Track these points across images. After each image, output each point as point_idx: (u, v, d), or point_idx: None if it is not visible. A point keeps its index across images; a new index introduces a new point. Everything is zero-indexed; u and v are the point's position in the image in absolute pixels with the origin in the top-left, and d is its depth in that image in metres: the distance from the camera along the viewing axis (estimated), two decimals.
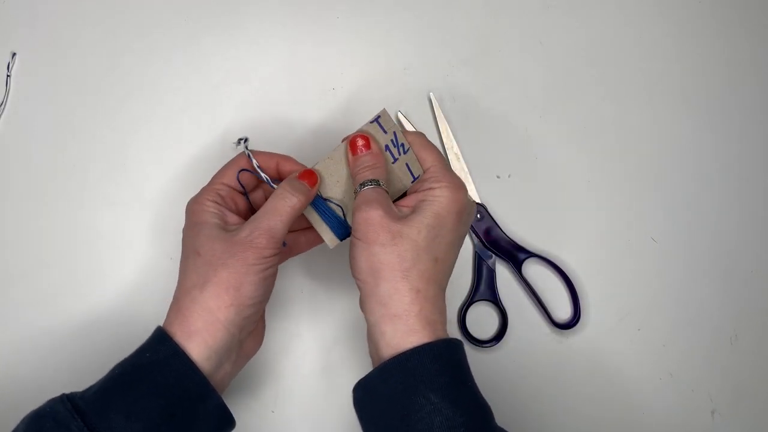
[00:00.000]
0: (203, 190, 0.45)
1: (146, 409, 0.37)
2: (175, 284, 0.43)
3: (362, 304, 0.42)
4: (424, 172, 0.44)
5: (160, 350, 0.39)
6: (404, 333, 0.39)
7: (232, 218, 0.44)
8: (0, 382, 0.51)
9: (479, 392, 0.40)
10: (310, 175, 0.44)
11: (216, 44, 0.56)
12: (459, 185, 0.42)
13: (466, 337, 0.53)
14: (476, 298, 0.54)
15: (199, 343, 0.39)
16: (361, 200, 0.42)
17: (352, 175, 0.44)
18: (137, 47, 0.56)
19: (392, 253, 0.40)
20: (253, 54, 0.56)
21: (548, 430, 0.53)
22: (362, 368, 0.52)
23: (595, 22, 0.58)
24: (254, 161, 0.45)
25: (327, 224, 0.44)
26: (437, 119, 0.55)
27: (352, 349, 0.53)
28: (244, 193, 0.46)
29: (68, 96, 0.55)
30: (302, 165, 0.46)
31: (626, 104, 0.57)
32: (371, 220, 0.40)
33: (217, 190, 0.44)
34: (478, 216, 0.55)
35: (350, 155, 0.44)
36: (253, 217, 0.42)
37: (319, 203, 0.44)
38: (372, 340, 0.42)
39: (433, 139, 0.56)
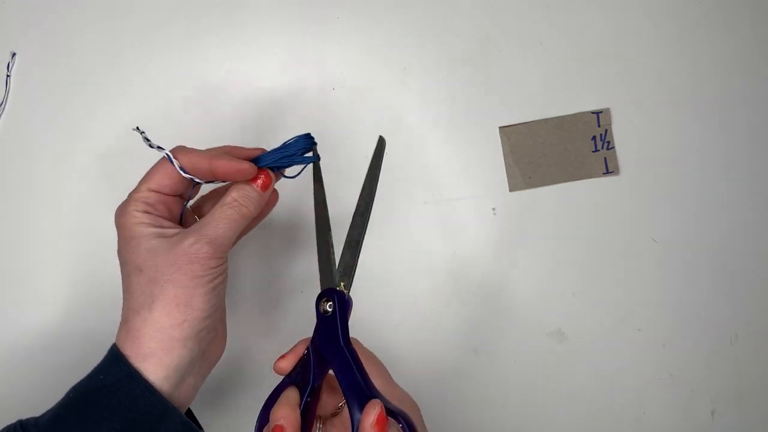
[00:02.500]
0: (129, 201, 0.40)
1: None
2: None
3: None
4: None
5: (114, 372, 0.37)
6: None
7: (168, 225, 0.40)
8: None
9: None
10: (265, 177, 0.41)
11: (216, 44, 0.56)
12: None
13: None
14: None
15: (155, 363, 0.37)
16: None
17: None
18: (137, 47, 0.56)
19: None
20: (253, 54, 0.56)
21: (548, 430, 0.53)
22: None
23: (595, 22, 0.58)
24: (176, 163, 0.40)
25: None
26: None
27: None
28: (185, 201, 0.43)
29: (68, 96, 0.55)
30: (238, 162, 0.40)
31: (626, 104, 0.57)
32: None
33: (145, 199, 0.40)
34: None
35: None
36: (198, 224, 0.40)
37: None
38: None
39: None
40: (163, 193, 0.41)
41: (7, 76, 0.55)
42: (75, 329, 0.53)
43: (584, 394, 0.54)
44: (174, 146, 0.41)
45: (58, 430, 0.36)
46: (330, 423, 0.43)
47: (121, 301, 0.39)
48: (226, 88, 0.55)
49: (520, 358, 0.54)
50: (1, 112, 0.55)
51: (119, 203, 0.53)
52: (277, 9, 0.57)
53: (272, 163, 0.42)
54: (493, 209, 0.56)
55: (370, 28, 0.57)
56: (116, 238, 0.40)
